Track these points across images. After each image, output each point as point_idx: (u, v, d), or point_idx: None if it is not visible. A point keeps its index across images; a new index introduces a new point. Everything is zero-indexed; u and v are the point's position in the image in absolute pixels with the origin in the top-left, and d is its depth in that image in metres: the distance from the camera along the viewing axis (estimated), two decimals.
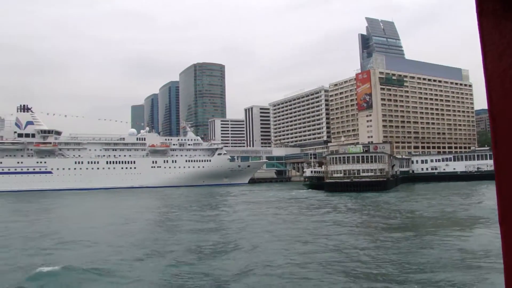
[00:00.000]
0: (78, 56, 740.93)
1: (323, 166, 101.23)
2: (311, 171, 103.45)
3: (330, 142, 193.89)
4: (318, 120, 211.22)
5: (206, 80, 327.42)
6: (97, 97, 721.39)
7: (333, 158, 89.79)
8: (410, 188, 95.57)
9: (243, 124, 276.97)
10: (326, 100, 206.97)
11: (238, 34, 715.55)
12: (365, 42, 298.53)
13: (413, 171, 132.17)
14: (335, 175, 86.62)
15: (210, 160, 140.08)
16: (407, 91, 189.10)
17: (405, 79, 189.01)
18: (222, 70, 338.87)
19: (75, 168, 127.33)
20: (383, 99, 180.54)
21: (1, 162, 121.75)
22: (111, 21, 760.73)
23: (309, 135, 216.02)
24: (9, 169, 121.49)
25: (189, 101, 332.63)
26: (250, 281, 19.77)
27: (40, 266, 22.19)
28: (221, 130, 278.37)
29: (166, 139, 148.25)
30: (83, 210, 63.16)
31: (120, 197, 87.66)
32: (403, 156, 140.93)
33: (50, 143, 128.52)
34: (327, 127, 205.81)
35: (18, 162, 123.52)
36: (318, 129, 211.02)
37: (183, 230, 36.39)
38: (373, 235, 32.88)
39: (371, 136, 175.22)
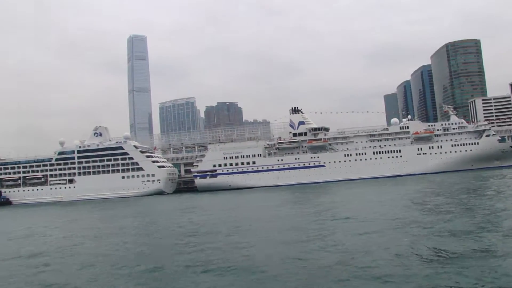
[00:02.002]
0: (316, 53, 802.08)
1: None
2: None
3: None
4: None
5: (461, 58, 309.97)
6: (344, 89, 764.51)
7: None
8: None
9: (509, 100, 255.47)
10: None
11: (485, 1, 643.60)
12: None
13: None
14: None
15: (477, 143, 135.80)
16: None
17: None
18: (478, 45, 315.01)
19: (344, 161, 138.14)
20: None
21: (282, 160, 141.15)
22: (346, 14, 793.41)
23: None
24: (288, 165, 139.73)
25: (444, 83, 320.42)
26: None
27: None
28: (483, 110, 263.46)
29: (429, 125, 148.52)
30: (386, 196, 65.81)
31: (395, 185, 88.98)
32: None
33: (321, 139, 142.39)
34: None
35: (295, 159, 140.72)
36: None
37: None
38: None
39: None
